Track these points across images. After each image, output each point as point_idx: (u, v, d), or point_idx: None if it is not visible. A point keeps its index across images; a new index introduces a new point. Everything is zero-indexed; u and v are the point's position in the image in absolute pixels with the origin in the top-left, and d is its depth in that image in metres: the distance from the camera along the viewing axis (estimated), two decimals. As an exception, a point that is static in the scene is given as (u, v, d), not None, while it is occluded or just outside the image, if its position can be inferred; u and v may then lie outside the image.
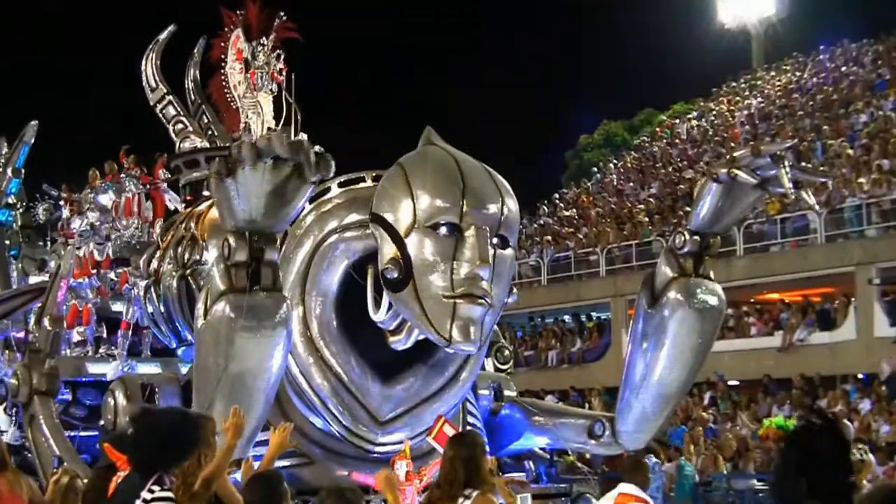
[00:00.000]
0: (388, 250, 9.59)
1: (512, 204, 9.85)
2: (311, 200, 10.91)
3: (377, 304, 9.94)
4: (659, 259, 11.08)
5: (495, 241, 9.59)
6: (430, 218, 9.45)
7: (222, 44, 14.81)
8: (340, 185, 11.00)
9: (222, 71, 14.85)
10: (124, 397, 11.74)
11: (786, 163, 9.85)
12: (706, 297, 10.75)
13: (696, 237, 10.69)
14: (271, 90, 14.80)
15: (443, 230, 9.43)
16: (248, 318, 8.85)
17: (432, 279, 9.35)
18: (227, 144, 15.05)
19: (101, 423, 12.67)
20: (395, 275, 9.47)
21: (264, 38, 14.66)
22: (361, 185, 10.93)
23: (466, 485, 6.91)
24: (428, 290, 9.36)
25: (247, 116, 14.80)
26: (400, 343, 10.04)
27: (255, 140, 8.70)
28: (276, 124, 14.82)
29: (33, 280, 17.42)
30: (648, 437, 12.22)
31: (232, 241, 8.89)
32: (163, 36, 16.23)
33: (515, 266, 10.15)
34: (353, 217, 10.44)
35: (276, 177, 8.60)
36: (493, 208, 9.62)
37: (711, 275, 10.96)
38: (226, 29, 14.75)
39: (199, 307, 9.21)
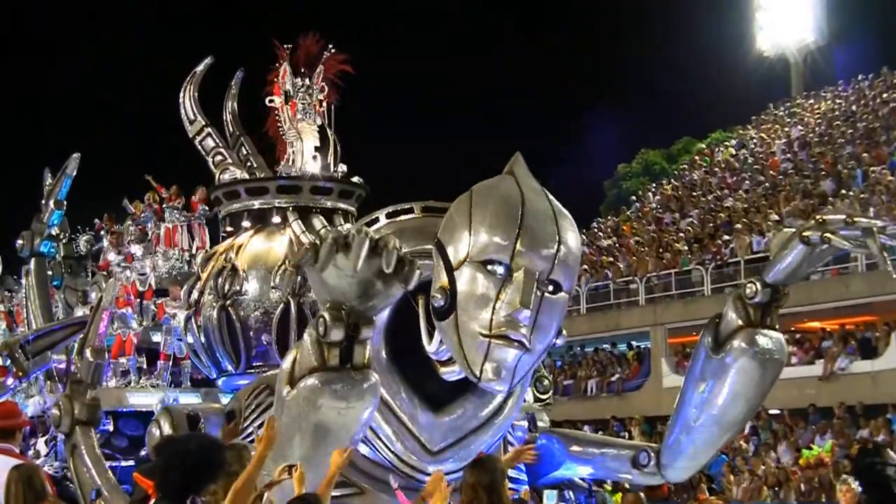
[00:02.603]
0: (440, 278, 9.60)
1: (573, 246, 9.56)
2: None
3: (430, 335, 9.91)
4: (726, 305, 11.05)
5: (550, 287, 9.34)
6: (482, 253, 9.30)
7: (274, 79, 14.99)
8: (388, 215, 11.05)
9: (273, 104, 15.03)
10: (170, 427, 11.79)
11: (876, 233, 9.84)
12: (771, 350, 10.77)
13: (768, 289, 10.71)
14: (314, 121, 14.95)
15: (493, 268, 9.27)
16: (338, 397, 8.88)
17: (472, 315, 9.23)
18: (267, 176, 15.21)
19: (143, 453, 12.75)
20: (441, 303, 9.42)
21: (305, 70, 14.85)
22: (410, 216, 10.98)
23: None
24: (466, 326, 9.27)
25: (290, 146, 14.95)
26: (454, 374, 9.97)
27: (332, 238, 8.51)
28: (319, 155, 14.98)
29: (78, 312, 17.57)
30: (693, 472, 12.26)
31: (328, 317, 8.68)
32: (200, 68, 16.35)
33: (566, 309, 9.98)
34: (403, 249, 10.47)
35: (361, 273, 8.53)
36: (547, 251, 9.33)
37: (777, 326, 11.00)
38: (277, 64, 14.94)
39: (285, 369, 9.18)
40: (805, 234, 10.18)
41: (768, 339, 10.76)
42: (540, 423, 12.83)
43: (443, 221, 9.84)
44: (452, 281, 9.39)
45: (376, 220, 11.06)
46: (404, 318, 10.20)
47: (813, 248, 10.22)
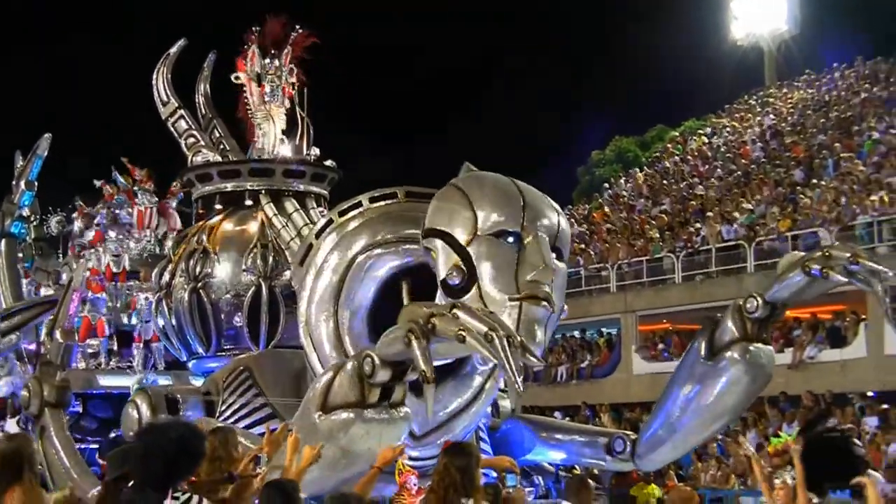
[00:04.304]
0: (449, 259, 9.70)
1: (564, 221, 10.18)
2: (342, 214, 11.04)
3: None
4: (724, 314, 11.24)
5: (554, 255, 9.83)
6: (493, 228, 9.66)
7: (243, 61, 14.95)
8: (371, 199, 11.10)
9: (239, 80, 15.00)
10: (148, 408, 11.80)
11: (881, 278, 10.00)
12: (763, 364, 11.06)
13: (768, 305, 10.88)
14: (283, 104, 14.92)
15: (505, 239, 9.63)
16: (373, 434, 8.93)
17: (496, 284, 9.49)
18: (240, 159, 15.19)
19: (112, 435, 12.75)
20: (457, 281, 9.57)
21: (275, 52, 14.82)
22: (393, 200, 11.06)
23: (460, 493, 7.08)
24: (491, 295, 9.48)
25: (259, 128, 14.93)
26: (440, 359, 10.03)
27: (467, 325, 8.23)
28: (288, 137, 14.97)
29: (44, 292, 17.51)
30: (665, 463, 12.53)
31: (377, 360, 8.75)
32: (173, 50, 16.29)
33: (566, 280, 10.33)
34: (386, 233, 10.62)
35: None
36: (550, 220, 9.91)
37: (770, 340, 11.35)
38: (245, 46, 14.89)
39: (318, 390, 9.19)
40: (808, 264, 10.36)
41: (761, 352, 11.05)
42: (502, 409, 12.89)
43: (429, 212, 9.97)
44: (467, 257, 9.55)
45: (359, 204, 11.12)
46: (387, 302, 10.28)
47: (813, 280, 10.38)
